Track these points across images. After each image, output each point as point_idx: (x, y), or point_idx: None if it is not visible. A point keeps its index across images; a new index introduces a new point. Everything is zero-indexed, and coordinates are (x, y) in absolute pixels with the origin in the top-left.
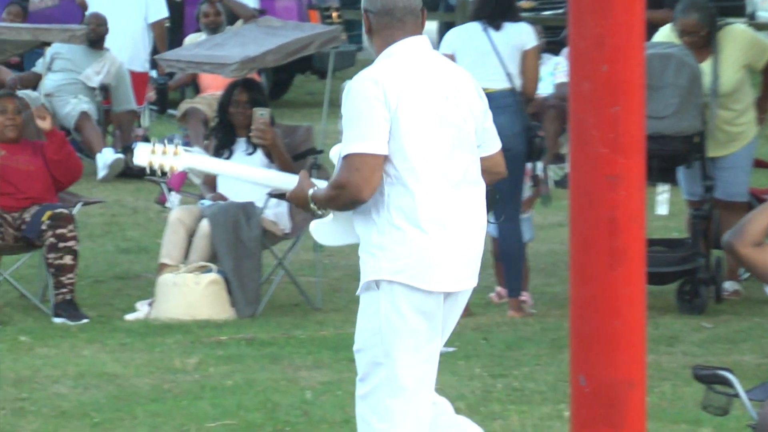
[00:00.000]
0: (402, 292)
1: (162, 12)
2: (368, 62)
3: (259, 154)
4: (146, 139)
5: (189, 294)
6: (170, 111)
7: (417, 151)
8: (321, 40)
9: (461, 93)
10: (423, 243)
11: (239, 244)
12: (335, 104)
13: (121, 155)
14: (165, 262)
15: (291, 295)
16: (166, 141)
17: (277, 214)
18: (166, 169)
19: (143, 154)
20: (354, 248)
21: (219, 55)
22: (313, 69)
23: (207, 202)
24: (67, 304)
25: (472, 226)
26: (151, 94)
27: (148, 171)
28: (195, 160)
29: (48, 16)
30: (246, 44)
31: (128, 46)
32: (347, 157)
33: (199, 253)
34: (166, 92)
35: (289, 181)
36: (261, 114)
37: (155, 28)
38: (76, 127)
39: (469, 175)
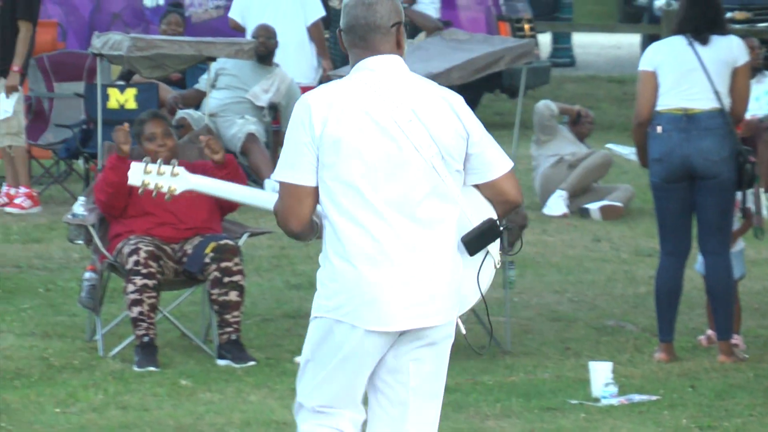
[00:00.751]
0: (337, 329)
1: (318, 11)
2: (563, 79)
3: None
4: None
5: None
6: None
7: (341, 180)
8: (512, 55)
9: (421, 117)
10: (355, 279)
11: None
12: (527, 125)
13: None
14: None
15: (477, 337)
16: (161, 160)
17: None
18: (165, 190)
19: (136, 174)
20: (547, 286)
21: None
22: (502, 87)
23: None
24: (232, 345)
25: (420, 261)
26: None
27: (141, 192)
28: (196, 180)
29: (212, 28)
30: (430, 59)
31: (292, 57)
32: (278, 183)
33: None
34: None
35: None
36: None
37: (313, 31)
38: (243, 150)
39: (413, 203)
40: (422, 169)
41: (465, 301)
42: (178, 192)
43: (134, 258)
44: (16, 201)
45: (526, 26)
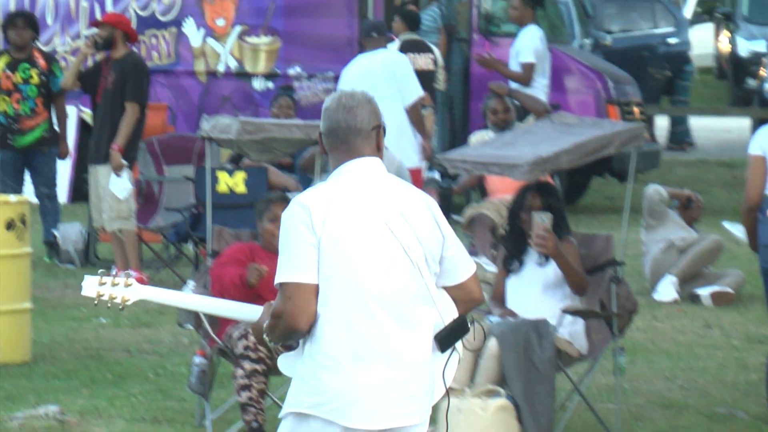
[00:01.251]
0: (314, 424)
1: (416, 91)
2: (673, 162)
3: (553, 265)
4: None
5: (475, 421)
6: (455, 217)
7: (332, 278)
8: (622, 139)
9: (408, 220)
10: (340, 377)
11: (530, 366)
12: (637, 210)
13: None
14: (450, 385)
15: (587, 424)
16: (115, 271)
17: (572, 333)
18: (118, 300)
19: (90, 286)
20: (658, 373)
21: (509, 155)
22: (612, 171)
23: (495, 319)
24: None
25: (404, 362)
26: (435, 198)
27: (96, 303)
28: (150, 291)
29: (320, 111)
30: (538, 143)
31: (393, 140)
32: (281, 286)
33: (486, 376)
34: (451, 196)
35: (252, 312)
36: (541, 219)
37: (412, 112)
38: None
39: (402, 304)
40: (410, 271)
41: (432, 395)
42: (130, 302)
43: (244, 342)
44: None
45: (636, 110)
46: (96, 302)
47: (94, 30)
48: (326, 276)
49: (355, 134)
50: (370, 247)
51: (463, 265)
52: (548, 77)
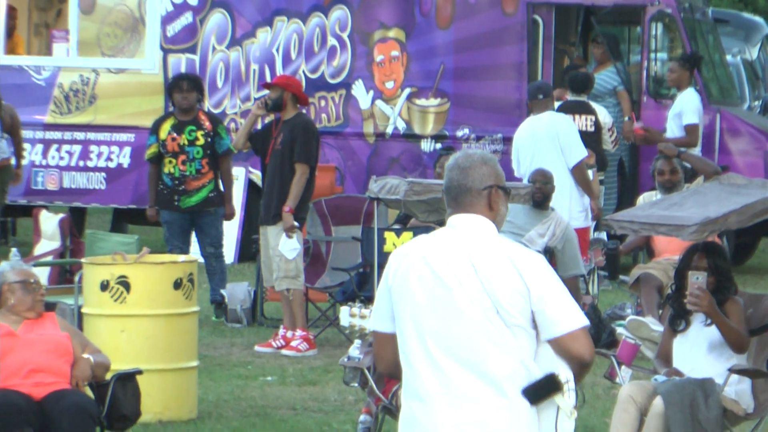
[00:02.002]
0: None
1: (580, 152)
2: None
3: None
4: (594, 308)
5: None
6: (622, 277)
7: (402, 327)
8: None
9: (481, 271)
10: (409, 418)
11: (696, 425)
12: None
13: None
14: None
15: None
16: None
17: (738, 391)
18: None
19: (345, 316)
20: None
21: (676, 216)
22: None
23: (661, 378)
24: None
25: (467, 407)
26: (601, 259)
27: (348, 330)
28: None
29: None
30: (707, 204)
31: (560, 200)
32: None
33: None
34: (618, 257)
35: None
36: (696, 279)
37: (576, 173)
38: None
39: (467, 351)
40: (477, 320)
41: None
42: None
43: None
44: (293, 344)
45: None
46: (348, 331)
47: (265, 92)
48: (397, 323)
49: (464, 193)
50: (427, 298)
51: (557, 320)
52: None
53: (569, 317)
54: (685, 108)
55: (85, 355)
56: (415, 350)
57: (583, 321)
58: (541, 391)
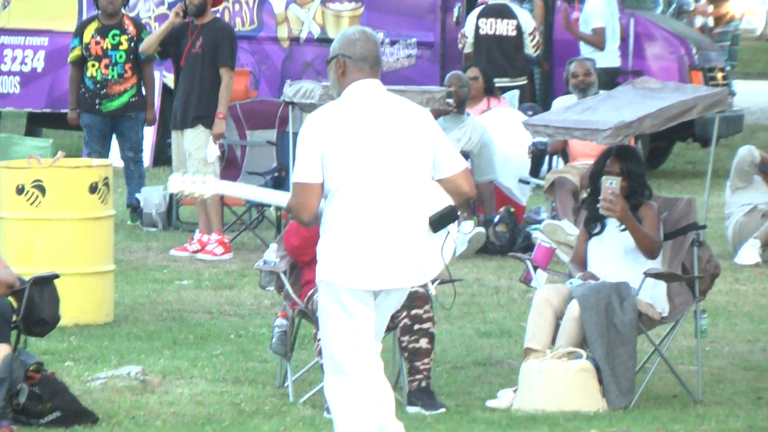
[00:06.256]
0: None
1: None
2: (756, 127)
3: None
4: (509, 212)
5: (556, 383)
6: (537, 181)
7: (336, 174)
8: (704, 104)
9: (402, 127)
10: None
11: (612, 328)
12: (720, 174)
13: (482, 229)
14: (530, 346)
15: (668, 386)
16: (194, 172)
17: (653, 295)
18: (196, 195)
19: (176, 183)
20: (739, 335)
21: (591, 120)
22: (694, 136)
23: (576, 282)
24: (422, 392)
25: (395, 232)
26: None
27: (178, 197)
28: (220, 186)
29: (402, 77)
30: (621, 108)
31: None
32: (292, 184)
33: (567, 338)
34: (543, 156)
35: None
36: (610, 183)
37: None
38: None
39: (397, 192)
40: (403, 163)
41: (430, 270)
42: (206, 196)
43: None
44: (209, 248)
45: (719, 75)
46: (178, 196)
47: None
48: (330, 174)
49: (378, 63)
50: (361, 149)
51: (454, 161)
52: (618, 40)
53: (458, 160)
54: (591, 12)
55: None
56: (350, 192)
57: (466, 163)
58: (443, 221)
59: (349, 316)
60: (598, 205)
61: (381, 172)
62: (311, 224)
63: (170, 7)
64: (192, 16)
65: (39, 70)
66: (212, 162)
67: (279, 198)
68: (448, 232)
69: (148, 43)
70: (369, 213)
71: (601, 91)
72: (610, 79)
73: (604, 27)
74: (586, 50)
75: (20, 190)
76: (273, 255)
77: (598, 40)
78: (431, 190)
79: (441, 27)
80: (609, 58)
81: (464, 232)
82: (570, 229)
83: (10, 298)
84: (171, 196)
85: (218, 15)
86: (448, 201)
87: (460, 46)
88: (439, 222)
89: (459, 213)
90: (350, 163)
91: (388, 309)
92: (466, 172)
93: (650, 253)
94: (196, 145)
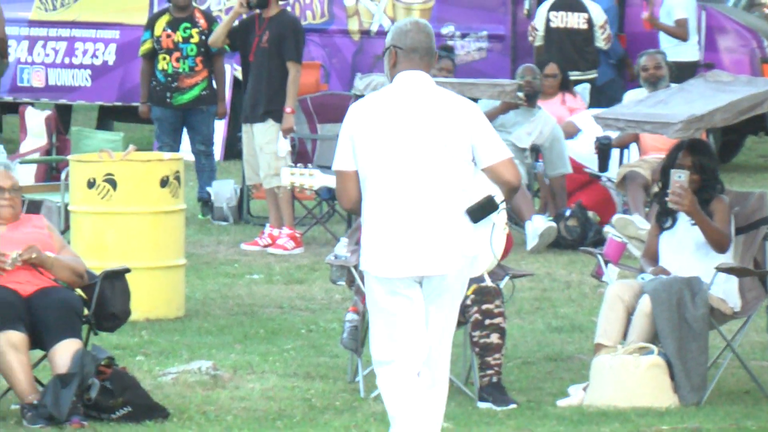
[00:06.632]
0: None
1: None
2: None
3: None
4: (580, 206)
5: (627, 378)
6: (609, 176)
7: (365, 161)
8: None
9: (440, 118)
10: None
11: (683, 323)
12: None
13: (553, 223)
14: (601, 342)
15: (741, 381)
16: (301, 165)
17: (725, 290)
18: (306, 186)
19: (286, 176)
20: None
21: (662, 113)
22: (767, 129)
23: (648, 277)
24: (493, 388)
25: (421, 220)
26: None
27: (289, 187)
28: (326, 178)
29: (474, 70)
30: (692, 101)
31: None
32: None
33: (638, 333)
34: (609, 150)
35: None
36: (679, 177)
37: None
38: None
39: (428, 181)
40: (436, 155)
41: (481, 263)
42: (315, 187)
43: None
44: (279, 242)
45: None
46: (290, 188)
47: None
48: (358, 162)
49: (431, 54)
50: (394, 139)
51: (495, 151)
52: (696, 34)
53: (501, 149)
54: (675, 4)
55: (50, 254)
56: (381, 183)
57: (510, 153)
58: (482, 210)
59: (385, 305)
60: (667, 198)
61: (407, 160)
62: (354, 212)
63: None
64: (256, 7)
65: (110, 63)
66: (283, 156)
67: None
68: (494, 224)
69: (215, 36)
70: (394, 201)
71: (672, 84)
72: (692, 73)
73: (687, 18)
74: (667, 43)
75: (91, 184)
76: (344, 249)
77: (681, 31)
78: (479, 182)
79: (512, 19)
80: (689, 51)
81: (536, 226)
82: (641, 224)
83: (80, 292)
84: (242, 189)
85: (288, 8)
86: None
87: (530, 38)
88: (477, 212)
89: (501, 204)
90: (376, 151)
91: (436, 298)
92: (510, 162)
93: (719, 247)
94: (267, 140)
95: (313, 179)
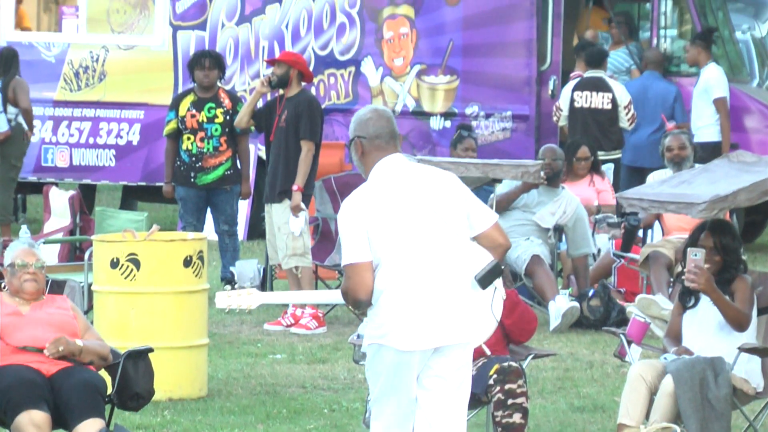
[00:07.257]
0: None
1: None
2: None
3: None
4: (603, 286)
5: None
6: (632, 255)
7: (380, 249)
8: None
9: (434, 194)
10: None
11: (706, 403)
12: None
13: (576, 303)
14: (624, 422)
15: None
16: (236, 286)
17: (748, 370)
18: (244, 307)
19: (222, 300)
20: None
21: (686, 193)
22: None
23: (670, 357)
24: None
25: (435, 294)
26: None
27: (226, 310)
28: (265, 296)
29: (498, 150)
30: (716, 181)
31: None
32: (344, 268)
33: (661, 413)
34: (635, 233)
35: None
36: (695, 255)
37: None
38: (527, 271)
39: (439, 255)
40: (442, 228)
41: (485, 329)
42: (254, 307)
43: None
44: (302, 322)
45: None
46: (227, 311)
47: (270, 69)
48: (377, 251)
49: (396, 137)
50: (404, 221)
51: (484, 216)
52: None
53: (489, 214)
54: (711, 83)
55: (78, 341)
56: (398, 261)
57: (496, 216)
58: (490, 275)
59: (387, 381)
60: (683, 277)
61: (422, 239)
62: (366, 305)
63: None
64: (277, 86)
65: (134, 143)
66: (299, 235)
67: (327, 297)
68: (495, 288)
69: (240, 117)
70: (413, 279)
71: (696, 165)
72: (716, 153)
73: (725, 97)
74: (699, 122)
75: (115, 264)
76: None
77: (724, 110)
78: (471, 248)
79: (536, 100)
80: (713, 131)
81: (559, 306)
82: (664, 304)
83: (104, 372)
84: (265, 269)
85: (312, 88)
86: (488, 258)
87: (554, 118)
88: (486, 278)
89: (503, 267)
90: (393, 237)
91: (450, 374)
92: (498, 224)
93: (738, 325)
94: (285, 220)
95: (251, 298)
